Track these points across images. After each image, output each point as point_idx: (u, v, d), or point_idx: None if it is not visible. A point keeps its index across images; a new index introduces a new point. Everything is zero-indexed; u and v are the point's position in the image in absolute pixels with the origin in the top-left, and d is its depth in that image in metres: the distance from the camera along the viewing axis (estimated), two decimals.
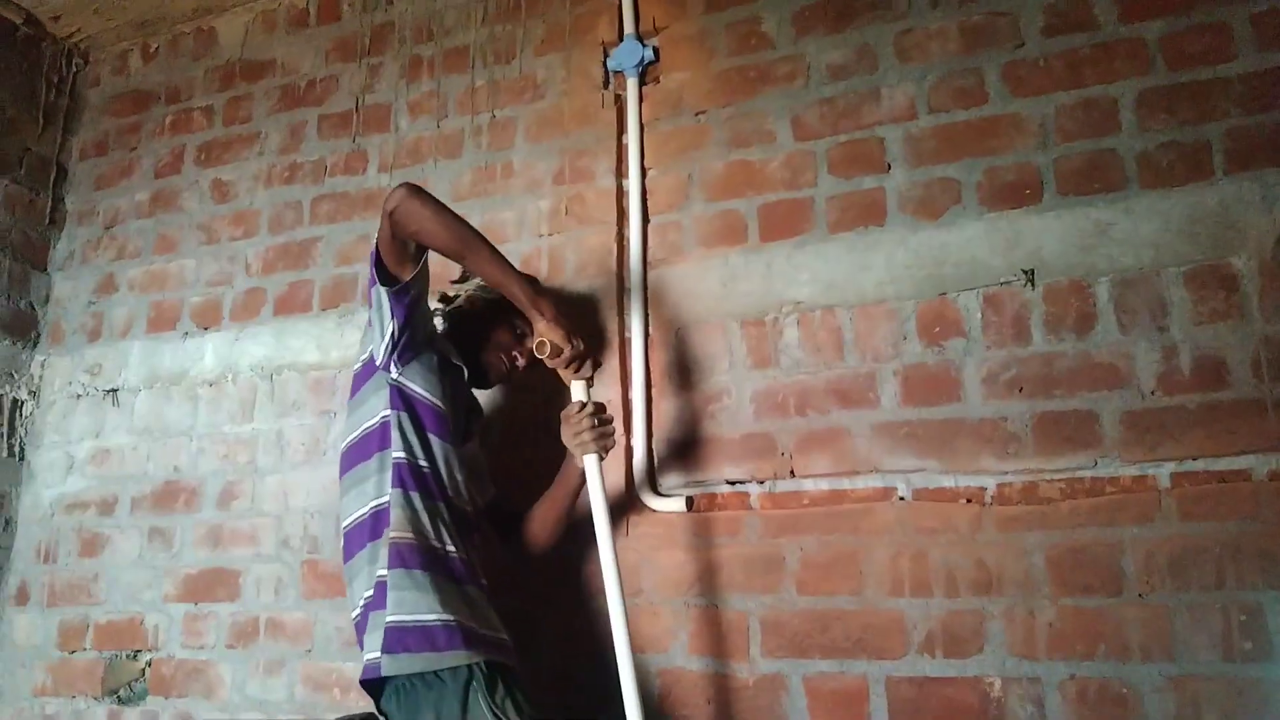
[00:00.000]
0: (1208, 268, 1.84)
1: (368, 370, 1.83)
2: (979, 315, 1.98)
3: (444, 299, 2.04)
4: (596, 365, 1.88)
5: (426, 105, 2.67)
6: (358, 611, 1.72)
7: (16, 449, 2.87)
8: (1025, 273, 1.96)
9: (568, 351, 1.76)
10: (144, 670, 2.58)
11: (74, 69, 3.18)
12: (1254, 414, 1.76)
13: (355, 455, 1.81)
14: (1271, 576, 1.69)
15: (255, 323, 2.71)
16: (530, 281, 1.86)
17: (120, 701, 2.57)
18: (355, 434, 1.82)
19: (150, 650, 2.58)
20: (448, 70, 2.67)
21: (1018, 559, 1.85)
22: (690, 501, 2.11)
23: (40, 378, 2.95)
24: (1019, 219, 1.99)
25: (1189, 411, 1.80)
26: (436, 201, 1.73)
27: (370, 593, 1.69)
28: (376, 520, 1.73)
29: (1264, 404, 1.76)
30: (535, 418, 2.25)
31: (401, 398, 1.78)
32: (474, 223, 2.45)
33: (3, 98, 2.96)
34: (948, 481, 1.94)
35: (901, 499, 1.96)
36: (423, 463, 1.76)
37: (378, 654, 1.62)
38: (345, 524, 1.79)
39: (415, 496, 1.73)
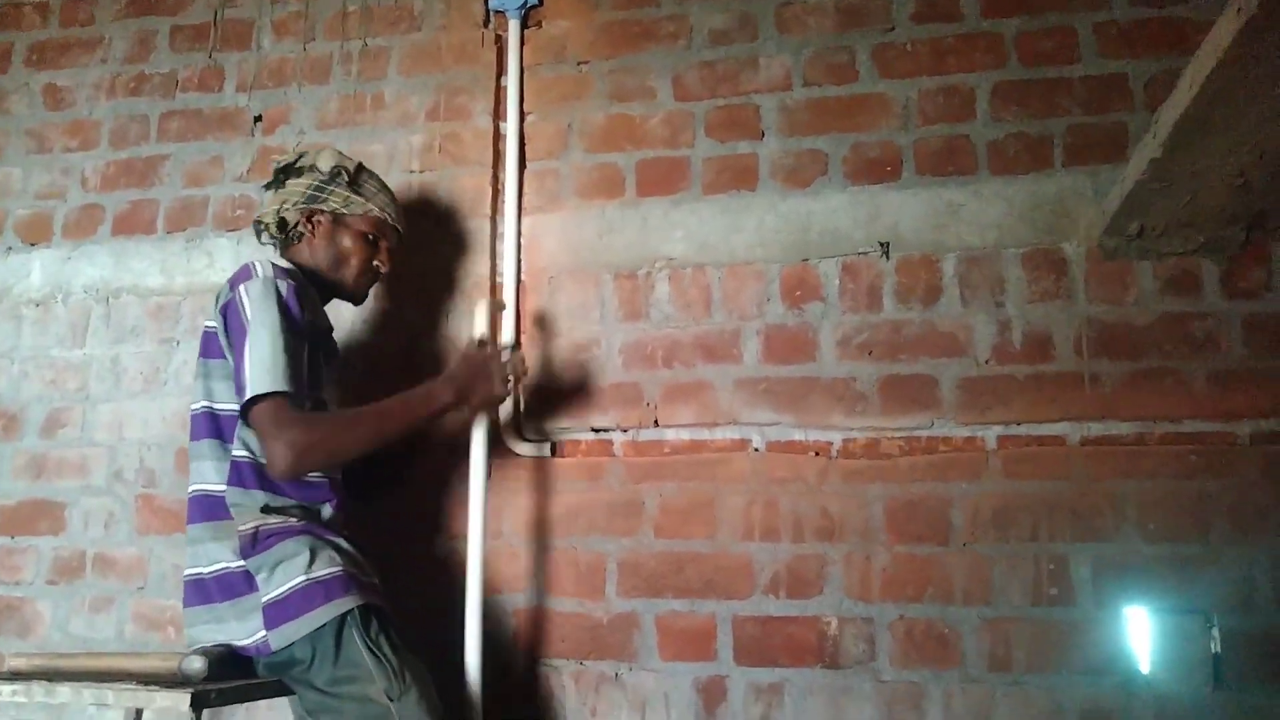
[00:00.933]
0: (1042, 251, 2.03)
1: (216, 345, 1.72)
2: (837, 282, 2.11)
3: (280, 225, 1.88)
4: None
5: (292, 26, 2.55)
6: (206, 579, 1.66)
7: None
8: (882, 245, 2.09)
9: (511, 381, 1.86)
10: None
11: None
12: (1073, 386, 1.96)
13: (197, 429, 1.73)
14: (1077, 530, 1.91)
15: (91, 241, 2.53)
16: (442, 388, 1.76)
17: None
18: (199, 405, 1.73)
19: None
20: None
21: (859, 509, 2.00)
22: (555, 447, 2.15)
23: None
24: (879, 194, 2.12)
25: (1017, 381, 1.99)
26: (329, 445, 1.64)
27: (223, 574, 1.64)
28: (215, 507, 1.68)
29: (1082, 377, 1.96)
30: (399, 354, 2.23)
31: None
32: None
33: None
34: (799, 435, 2.07)
35: (756, 450, 2.07)
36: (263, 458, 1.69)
37: (262, 634, 1.59)
38: (190, 489, 1.73)
39: (258, 494, 1.68)
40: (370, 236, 1.91)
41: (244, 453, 1.68)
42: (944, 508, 1.97)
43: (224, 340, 1.69)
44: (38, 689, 1.45)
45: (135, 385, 2.41)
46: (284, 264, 1.82)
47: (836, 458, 2.04)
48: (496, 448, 2.15)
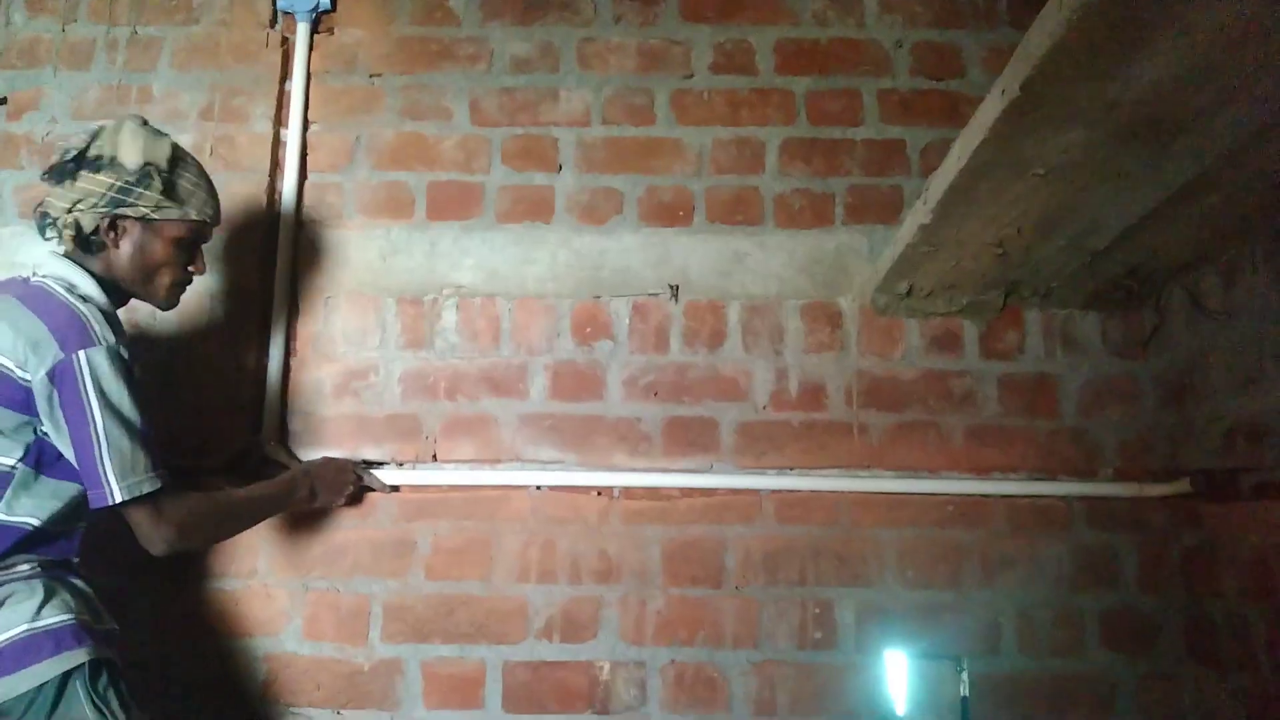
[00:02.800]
0: (820, 304, 2.10)
1: (9, 392, 1.46)
2: (627, 321, 2.10)
3: (76, 229, 1.58)
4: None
5: (50, 4, 2.30)
6: None
7: None
8: (672, 287, 2.10)
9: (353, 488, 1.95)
10: None
11: None
12: (843, 434, 2.03)
13: None
14: (843, 575, 1.97)
15: None
16: (293, 485, 1.83)
17: None
18: None
19: None
20: None
21: (637, 550, 1.98)
22: None
23: None
24: (671, 237, 2.13)
25: (792, 427, 2.04)
26: (210, 530, 1.64)
27: None
28: None
29: (851, 427, 2.03)
30: (152, 371, 2.03)
31: (43, 454, 1.50)
32: None
33: None
34: (582, 475, 2.02)
35: (538, 489, 2.02)
36: (34, 522, 1.49)
37: None
38: None
39: (9, 556, 1.48)
40: (185, 241, 1.66)
41: (14, 520, 1.48)
42: (719, 551, 1.98)
43: (46, 405, 1.45)
44: None
45: None
46: (95, 293, 1.57)
47: (618, 498, 2.02)
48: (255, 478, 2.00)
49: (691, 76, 2.22)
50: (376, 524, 2.00)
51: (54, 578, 1.50)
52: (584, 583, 1.97)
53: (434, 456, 2.03)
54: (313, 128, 2.22)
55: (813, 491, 2.01)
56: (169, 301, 1.70)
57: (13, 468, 1.48)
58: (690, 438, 2.04)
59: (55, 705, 1.40)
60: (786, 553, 1.98)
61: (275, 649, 1.94)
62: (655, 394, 2.06)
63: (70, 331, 1.46)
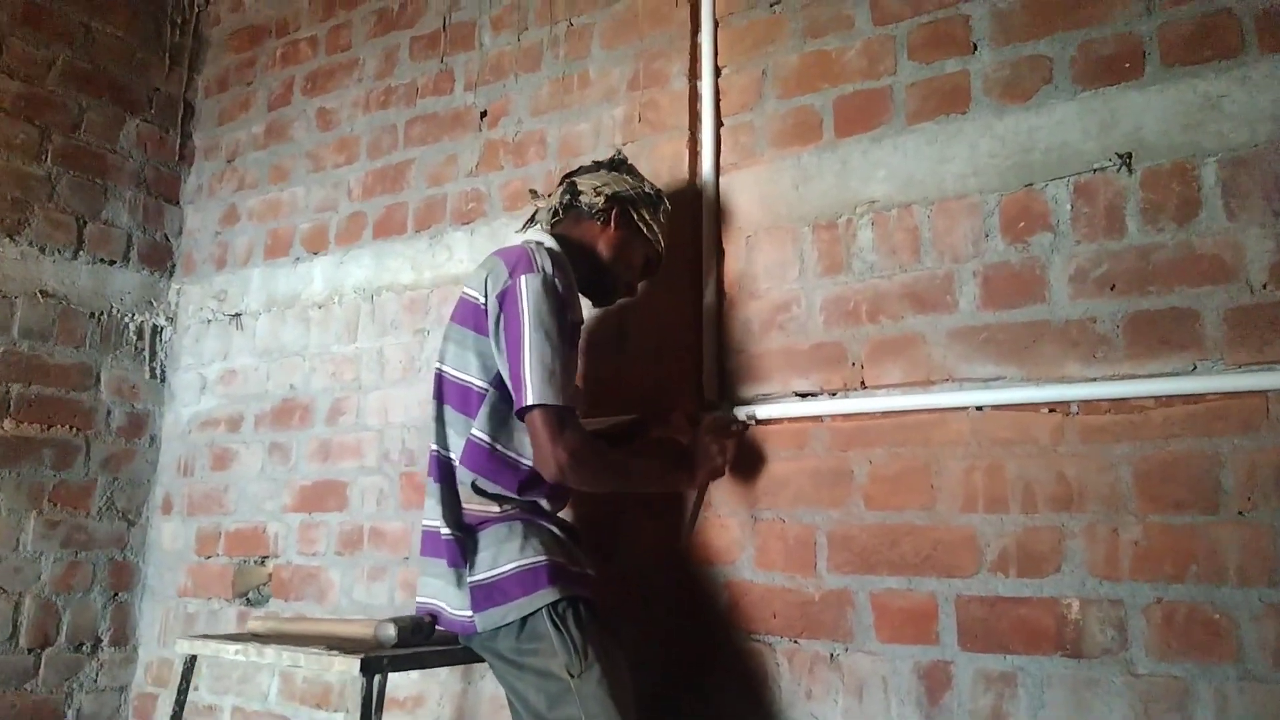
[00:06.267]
0: None
1: (480, 321, 1.74)
2: (1068, 206, 1.80)
3: (610, 198, 1.92)
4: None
5: (508, 19, 2.64)
6: (435, 535, 1.75)
7: (158, 371, 3.11)
8: (1121, 156, 1.75)
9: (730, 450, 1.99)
10: (270, 575, 2.77)
11: (196, 9, 3.33)
12: None
13: (449, 392, 1.78)
14: None
15: (357, 246, 2.80)
16: (679, 464, 1.95)
17: (249, 603, 2.78)
18: (451, 371, 1.78)
19: (272, 556, 2.76)
20: None
21: (1102, 472, 1.69)
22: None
23: (176, 305, 3.17)
24: (1116, 96, 1.78)
25: None
26: (597, 470, 1.74)
27: (447, 539, 1.71)
28: (451, 474, 1.75)
29: None
30: (604, 320, 2.24)
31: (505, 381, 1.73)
32: (551, 138, 2.46)
33: (132, 41, 3.15)
34: (1027, 390, 1.78)
35: (978, 409, 1.82)
36: (505, 449, 1.72)
37: (468, 613, 1.66)
38: (434, 447, 1.78)
39: (487, 481, 1.72)
40: (643, 262, 1.99)
41: (483, 435, 1.72)
42: (1211, 468, 1.61)
43: (495, 325, 1.71)
44: (251, 649, 1.62)
45: (395, 374, 2.63)
46: (555, 246, 1.83)
47: (1075, 413, 1.74)
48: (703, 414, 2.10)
49: None
50: (812, 453, 1.97)
51: (527, 521, 1.72)
52: (1040, 511, 1.73)
53: (862, 383, 1.94)
54: (723, 73, 2.25)
55: None
56: (609, 298, 2.00)
57: (483, 390, 1.73)
58: (1162, 335, 1.69)
59: (524, 621, 1.62)
60: None
61: (734, 576, 2.02)
62: (1112, 287, 1.74)
63: (519, 263, 1.71)
